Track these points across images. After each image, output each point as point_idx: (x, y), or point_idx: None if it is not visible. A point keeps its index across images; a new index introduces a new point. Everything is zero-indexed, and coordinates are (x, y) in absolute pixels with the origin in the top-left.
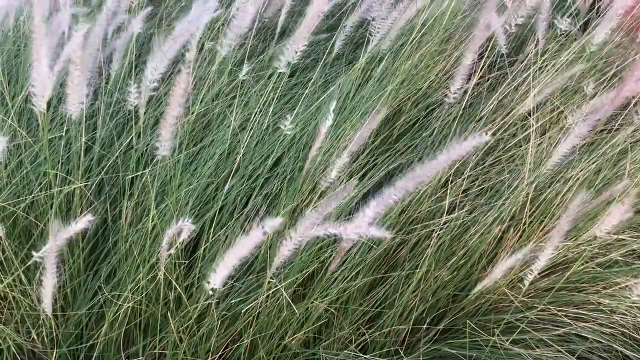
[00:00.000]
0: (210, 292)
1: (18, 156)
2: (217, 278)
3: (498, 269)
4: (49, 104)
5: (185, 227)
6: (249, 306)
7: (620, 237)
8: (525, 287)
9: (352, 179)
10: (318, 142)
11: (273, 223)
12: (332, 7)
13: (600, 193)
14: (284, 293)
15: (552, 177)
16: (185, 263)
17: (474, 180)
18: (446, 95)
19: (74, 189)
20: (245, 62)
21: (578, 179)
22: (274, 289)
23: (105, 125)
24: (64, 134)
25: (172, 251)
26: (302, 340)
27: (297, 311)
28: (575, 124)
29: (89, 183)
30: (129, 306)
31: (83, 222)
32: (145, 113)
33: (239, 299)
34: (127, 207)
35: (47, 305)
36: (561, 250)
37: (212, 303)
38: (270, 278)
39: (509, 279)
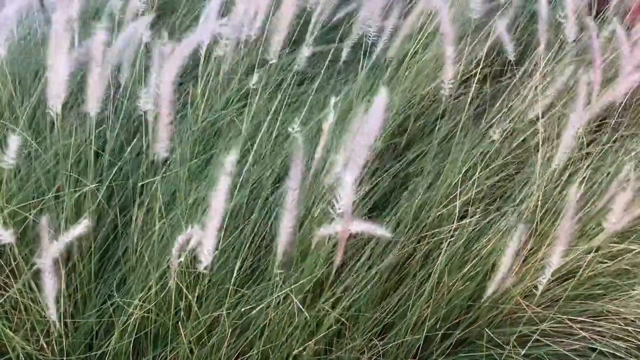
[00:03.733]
0: (204, 271)
1: (28, 162)
2: (204, 249)
3: (504, 261)
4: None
5: (194, 235)
6: (259, 306)
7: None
8: (540, 291)
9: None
10: (322, 141)
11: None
12: (329, 18)
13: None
14: (294, 299)
15: (563, 187)
16: (195, 272)
17: (483, 188)
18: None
19: (84, 195)
20: (256, 69)
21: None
22: (284, 292)
23: (114, 132)
24: (73, 140)
25: (182, 259)
26: (313, 351)
27: (307, 315)
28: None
29: (99, 189)
30: (139, 315)
31: (81, 227)
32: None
33: (249, 307)
34: (136, 215)
35: (52, 311)
36: (574, 257)
37: (223, 313)
38: (281, 285)
39: (523, 289)
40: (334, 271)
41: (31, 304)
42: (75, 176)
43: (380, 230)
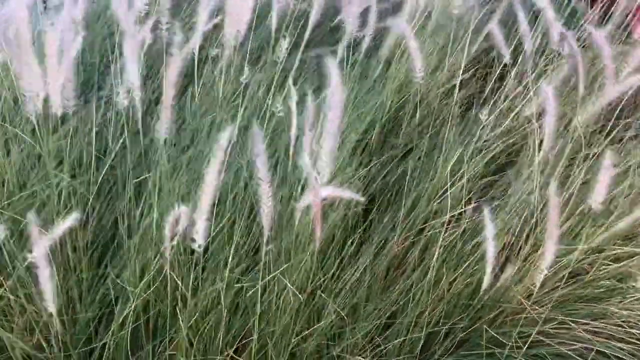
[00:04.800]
0: (198, 249)
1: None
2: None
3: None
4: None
5: (182, 213)
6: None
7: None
8: (538, 285)
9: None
10: (294, 119)
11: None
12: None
13: None
14: (290, 286)
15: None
16: (190, 259)
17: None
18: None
19: (76, 190)
20: (246, 65)
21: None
22: (274, 274)
23: (113, 132)
24: (69, 140)
25: (174, 242)
26: (314, 347)
27: (301, 297)
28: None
29: (92, 182)
30: (137, 304)
31: (70, 220)
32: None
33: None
34: (131, 208)
35: (49, 302)
36: (577, 258)
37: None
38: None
39: (524, 289)
40: (317, 247)
41: (28, 302)
42: (69, 175)
43: (352, 195)
